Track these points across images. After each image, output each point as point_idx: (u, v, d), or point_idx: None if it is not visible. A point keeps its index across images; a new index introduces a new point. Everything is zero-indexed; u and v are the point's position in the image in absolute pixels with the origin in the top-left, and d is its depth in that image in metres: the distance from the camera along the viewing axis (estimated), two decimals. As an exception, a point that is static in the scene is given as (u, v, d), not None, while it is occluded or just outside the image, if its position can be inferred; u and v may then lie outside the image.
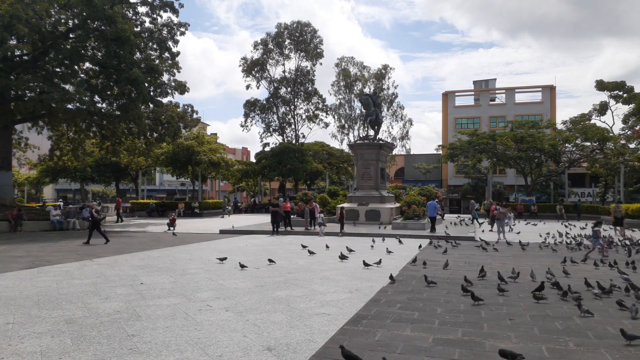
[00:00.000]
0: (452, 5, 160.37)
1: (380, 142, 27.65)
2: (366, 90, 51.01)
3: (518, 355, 4.74)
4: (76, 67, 24.60)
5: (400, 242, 16.72)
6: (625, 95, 41.94)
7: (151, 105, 27.24)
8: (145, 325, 6.18)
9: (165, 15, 28.22)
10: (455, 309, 7.05)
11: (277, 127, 52.78)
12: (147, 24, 27.72)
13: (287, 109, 52.55)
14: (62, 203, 28.58)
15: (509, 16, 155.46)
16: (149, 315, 6.66)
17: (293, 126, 52.88)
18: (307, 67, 51.77)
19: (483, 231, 21.94)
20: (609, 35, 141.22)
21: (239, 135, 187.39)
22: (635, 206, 26.88)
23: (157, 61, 26.40)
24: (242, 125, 53.05)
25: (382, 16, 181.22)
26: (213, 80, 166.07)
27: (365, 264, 10.90)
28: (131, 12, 26.96)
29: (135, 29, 25.22)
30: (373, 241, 16.39)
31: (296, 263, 11.78)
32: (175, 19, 28.59)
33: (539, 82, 70.16)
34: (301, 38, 50.83)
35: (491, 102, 59.45)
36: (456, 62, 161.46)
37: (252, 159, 55.56)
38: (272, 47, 50.94)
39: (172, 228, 23.13)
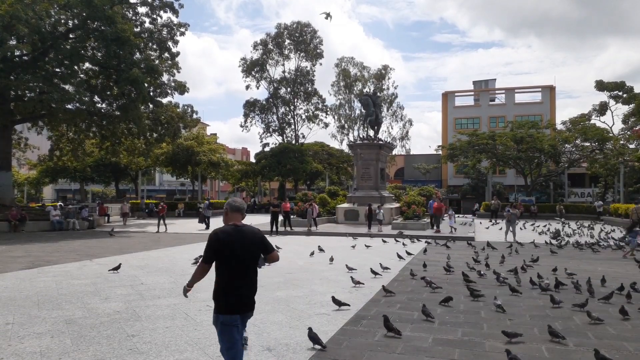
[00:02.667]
0: (454, 4, 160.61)
1: (380, 142, 27.64)
2: (366, 90, 51.02)
3: (395, 329, 5.67)
4: (76, 67, 24.59)
5: (396, 242, 16.74)
6: (625, 95, 41.98)
7: (151, 106, 27.24)
8: (145, 325, 6.18)
9: (165, 16, 28.21)
10: (455, 309, 7.05)
11: (276, 128, 52.78)
12: (147, 25, 27.72)
13: (287, 109, 52.57)
14: (61, 204, 28.59)
15: (511, 14, 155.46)
16: (148, 316, 6.66)
17: (293, 126, 52.91)
18: (306, 67, 51.83)
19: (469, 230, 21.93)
20: (613, 34, 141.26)
21: (240, 135, 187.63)
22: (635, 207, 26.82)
23: (157, 61, 26.40)
24: (241, 126, 53.13)
25: (382, 16, 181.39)
26: (213, 79, 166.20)
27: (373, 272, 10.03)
28: (131, 12, 26.96)
29: (135, 30, 25.21)
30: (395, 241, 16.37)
31: (296, 263, 11.78)
32: (175, 20, 28.62)
33: (539, 83, 70.21)
34: (301, 38, 50.84)
35: (491, 103, 59.47)
36: (456, 62, 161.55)
37: (252, 159, 55.60)
38: (271, 47, 50.96)
39: (162, 221, 22.73)
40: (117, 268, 10.40)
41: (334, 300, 7.09)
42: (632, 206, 19.71)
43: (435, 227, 20.58)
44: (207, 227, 23.68)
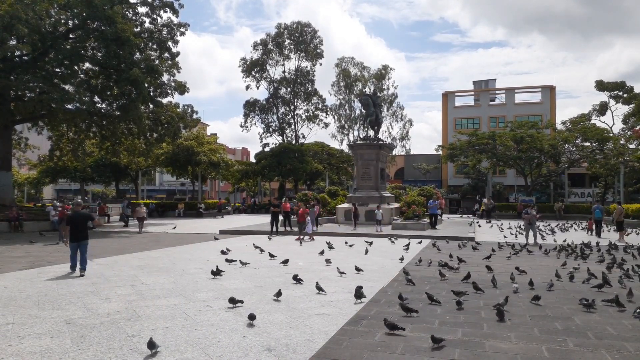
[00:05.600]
0: (457, 2, 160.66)
1: (380, 142, 27.62)
2: (366, 90, 51.02)
3: (238, 301, 7.16)
4: (76, 67, 24.57)
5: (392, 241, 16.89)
6: (625, 95, 42.02)
7: (151, 106, 27.21)
8: (145, 325, 6.19)
9: (165, 16, 28.17)
10: (455, 309, 7.04)
11: (277, 128, 52.75)
12: (147, 24, 27.68)
13: (287, 109, 52.54)
14: (60, 203, 28.61)
15: (514, 11, 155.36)
16: (148, 316, 6.66)
17: (293, 126, 52.88)
18: (307, 67, 51.80)
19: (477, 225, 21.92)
20: (617, 32, 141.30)
21: (240, 135, 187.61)
22: (635, 206, 26.84)
23: (157, 61, 26.37)
24: (241, 126, 53.09)
25: (383, 15, 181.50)
26: (215, 79, 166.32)
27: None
28: (131, 12, 26.92)
29: (135, 29, 25.19)
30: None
31: (296, 263, 11.76)
32: (175, 20, 28.59)
33: (539, 83, 70.22)
34: (301, 38, 50.81)
35: (491, 103, 59.44)
36: (457, 62, 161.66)
37: (252, 159, 55.58)
38: (271, 47, 50.93)
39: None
40: (285, 262, 11.43)
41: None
42: (631, 206, 19.94)
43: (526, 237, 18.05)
44: (126, 225, 25.86)
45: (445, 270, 10.18)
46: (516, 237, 19.25)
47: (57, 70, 23.83)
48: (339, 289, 8.53)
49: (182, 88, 28.24)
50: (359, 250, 14.52)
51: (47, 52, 23.16)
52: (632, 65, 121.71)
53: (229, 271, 10.52)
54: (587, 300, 7.14)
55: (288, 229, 21.33)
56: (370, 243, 15.78)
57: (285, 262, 11.53)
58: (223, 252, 13.35)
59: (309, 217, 18.75)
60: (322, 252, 13.38)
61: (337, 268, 10.35)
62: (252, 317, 6.29)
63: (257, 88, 52.63)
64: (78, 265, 10.22)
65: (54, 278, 9.73)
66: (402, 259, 12.31)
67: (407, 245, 14.92)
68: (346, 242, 16.16)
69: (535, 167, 40.75)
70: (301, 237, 18.22)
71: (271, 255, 12.53)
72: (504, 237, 19.17)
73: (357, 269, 10.43)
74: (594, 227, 20.95)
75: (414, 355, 5.07)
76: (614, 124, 49.07)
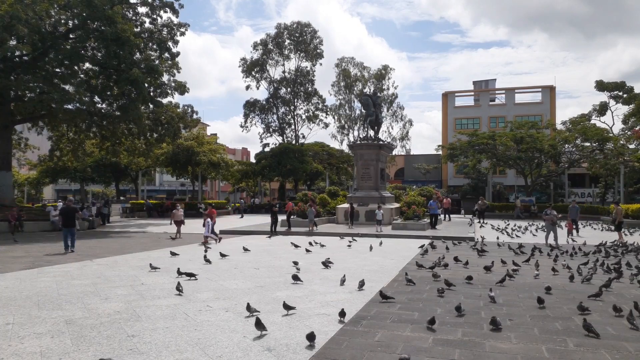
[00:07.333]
0: (458, 1, 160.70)
1: (380, 142, 27.61)
2: (366, 90, 51.00)
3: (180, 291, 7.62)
4: (76, 67, 24.59)
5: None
6: (625, 95, 42.04)
7: (151, 106, 27.21)
8: (145, 325, 6.19)
9: (165, 16, 28.21)
10: (454, 309, 7.03)
11: (277, 128, 52.77)
12: (147, 25, 27.70)
13: (287, 109, 52.55)
14: (61, 203, 28.71)
15: (516, 10, 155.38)
16: (148, 316, 6.66)
17: (293, 126, 52.89)
18: (307, 67, 51.82)
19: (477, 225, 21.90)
20: (619, 32, 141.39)
21: (240, 135, 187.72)
22: (635, 207, 26.83)
23: (157, 62, 26.37)
24: (241, 126, 53.13)
25: (384, 15, 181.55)
26: (215, 78, 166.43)
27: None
28: (131, 12, 26.94)
29: (135, 30, 25.20)
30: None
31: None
32: (175, 20, 28.60)
33: (539, 83, 70.21)
34: (301, 38, 50.83)
35: (491, 103, 59.44)
36: (458, 62, 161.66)
37: (252, 159, 55.58)
38: (271, 47, 50.94)
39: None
40: (296, 263, 11.28)
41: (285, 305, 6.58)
42: (631, 206, 19.86)
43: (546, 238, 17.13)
44: (104, 223, 28.02)
45: (440, 270, 10.18)
46: (504, 233, 19.23)
47: (57, 70, 23.84)
48: (339, 289, 8.53)
49: (182, 88, 28.24)
50: (358, 250, 14.53)
51: (47, 52, 23.15)
52: (635, 65, 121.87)
53: (230, 271, 10.52)
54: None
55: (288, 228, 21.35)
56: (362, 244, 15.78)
57: (296, 263, 11.35)
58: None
59: (208, 219, 17.46)
60: (309, 252, 13.56)
61: (297, 262, 11.10)
62: (259, 324, 5.81)
63: (257, 88, 52.66)
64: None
65: (54, 278, 9.73)
66: (425, 252, 12.76)
67: (422, 246, 15.09)
68: (310, 244, 16.09)
69: (536, 167, 40.74)
70: (206, 240, 17.27)
71: (222, 255, 12.62)
72: (497, 238, 19.13)
73: (325, 264, 11.01)
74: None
75: (414, 355, 5.06)
76: (614, 124, 49.22)
